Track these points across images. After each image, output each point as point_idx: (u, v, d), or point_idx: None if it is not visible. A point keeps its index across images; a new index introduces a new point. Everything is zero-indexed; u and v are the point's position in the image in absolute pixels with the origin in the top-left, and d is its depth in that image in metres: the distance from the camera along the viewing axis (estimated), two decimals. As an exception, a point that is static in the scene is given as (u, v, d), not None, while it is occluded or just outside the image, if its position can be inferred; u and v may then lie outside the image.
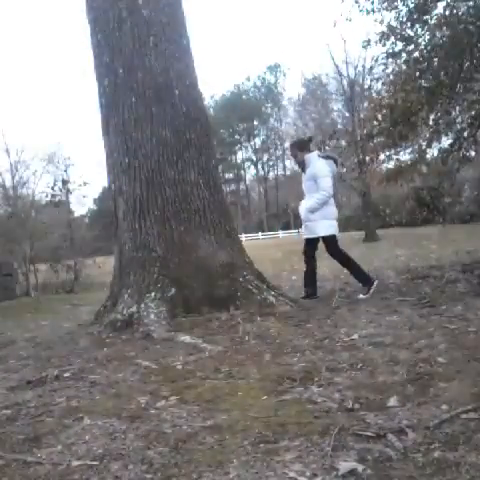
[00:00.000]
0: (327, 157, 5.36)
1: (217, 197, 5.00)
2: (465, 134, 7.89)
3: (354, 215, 30.28)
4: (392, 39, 7.46)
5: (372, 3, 7.61)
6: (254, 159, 57.40)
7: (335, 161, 5.44)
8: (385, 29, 7.47)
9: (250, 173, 59.37)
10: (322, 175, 5.12)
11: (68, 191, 12.37)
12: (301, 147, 5.41)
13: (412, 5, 7.09)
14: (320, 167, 5.15)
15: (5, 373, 3.28)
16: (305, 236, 5.41)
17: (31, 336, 4.59)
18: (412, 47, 7.38)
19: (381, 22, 7.52)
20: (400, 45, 7.48)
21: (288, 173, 52.32)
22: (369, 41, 8.00)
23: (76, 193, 12.51)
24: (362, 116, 21.47)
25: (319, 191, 5.10)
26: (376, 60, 8.22)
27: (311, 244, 5.36)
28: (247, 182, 59.17)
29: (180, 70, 4.93)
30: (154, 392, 2.57)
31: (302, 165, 5.33)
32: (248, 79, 55.84)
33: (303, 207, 5.30)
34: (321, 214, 5.17)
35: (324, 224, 5.20)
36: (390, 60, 7.77)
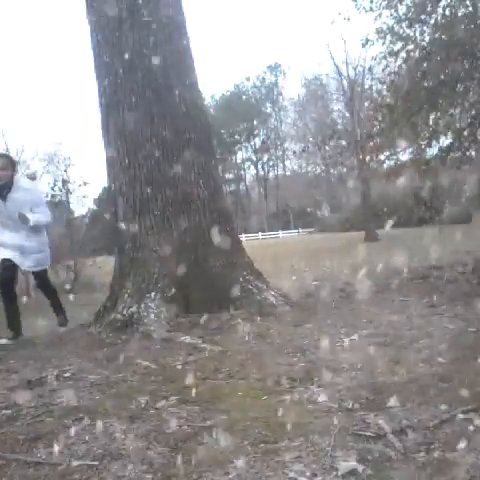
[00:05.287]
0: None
1: (217, 197, 4.99)
2: (465, 133, 7.89)
3: (354, 215, 30.28)
4: (389, 38, 7.46)
5: (371, 2, 7.62)
6: (254, 159, 57.34)
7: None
8: (383, 26, 7.48)
9: (250, 173, 59.35)
10: (43, 202, 4.79)
11: (68, 191, 12.36)
12: (13, 164, 4.63)
13: (410, 4, 7.09)
14: (39, 193, 4.70)
15: (5, 373, 3.27)
16: (35, 269, 4.78)
17: (31, 336, 4.58)
18: (411, 47, 7.38)
19: (379, 16, 7.51)
20: (399, 44, 7.48)
21: (288, 173, 52.32)
22: (368, 40, 8.01)
23: (76, 193, 12.50)
24: (362, 116, 21.49)
25: (46, 217, 4.60)
26: (375, 59, 8.24)
27: (43, 277, 4.90)
28: (247, 182, 59.15)
29: (180, 70, 4.93)
30: (154, 392, 2.57)
31: (7, 187, 4.40)
32: (248, 79, 55.78)
33: (23, 237, 4.52)
34: (46, 242, 4.80)
35: (48, 252, 4.86)
36: (390, 60, 7.77)
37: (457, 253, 8.64)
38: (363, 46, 8.26)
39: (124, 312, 4.36)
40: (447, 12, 6.98)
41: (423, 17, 7.08)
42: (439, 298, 4.54)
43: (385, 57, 7.71)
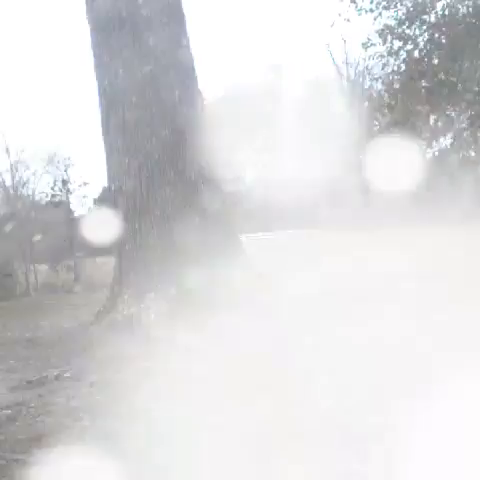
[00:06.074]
0: None
1: (217, 197, 4.99)
2: (464, 134, 7.89)
3: (354, 215, 30.25)
4: (389, 38, 7.48)
5: (371, 2, 7.64)
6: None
7: None
8: (383, 27, 7.50)
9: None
10: None
11: (68, 191, 12.39)
12: None
13: (410, 4, 7.11)
14: None
15: (5, 373, 3.28)
16: None
17: (31, 336, 4.59)
18: (411, 47, 7.40)
19: (379, 16, 7.53)
20: (399, 44, 7.50)
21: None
22: (369, 41, 8.02)
23: (76, 193, 12.55)
24: (362, 116, 21.47)
25: None
26: (373, 58, 8.25)
27: None
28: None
29: (180, 70, 4.93)
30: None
31: None
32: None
33: None
34: None
35: None
36: (389, 60, 7.79)
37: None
38: (363, 47, 8.27)
39: (124, 312, 4.36)
40: (446, 12, 6.99)
41: (423, 17, 7.09)
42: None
43: (384, 56, 7.72)
